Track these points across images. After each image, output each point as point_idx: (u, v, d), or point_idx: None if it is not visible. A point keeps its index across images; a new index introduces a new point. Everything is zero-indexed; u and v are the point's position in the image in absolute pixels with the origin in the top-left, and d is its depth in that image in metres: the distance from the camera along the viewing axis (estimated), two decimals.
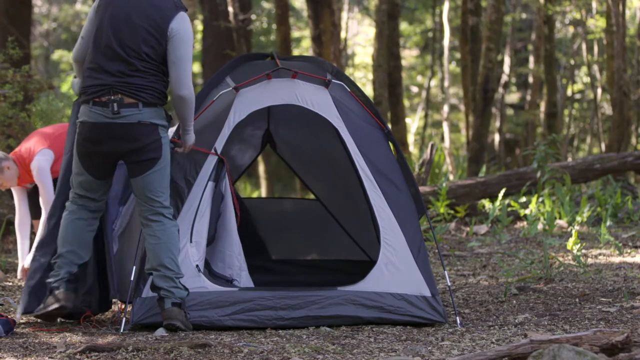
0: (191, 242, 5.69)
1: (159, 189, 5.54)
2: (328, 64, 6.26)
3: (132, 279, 5.63)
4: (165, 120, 5.57)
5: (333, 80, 6.06)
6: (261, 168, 16.88)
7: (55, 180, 6.41)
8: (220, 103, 5.95)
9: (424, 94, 27.93)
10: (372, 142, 6.00)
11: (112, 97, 5.47)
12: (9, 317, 5.55)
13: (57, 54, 29.82)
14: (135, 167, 5.55)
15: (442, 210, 10.42)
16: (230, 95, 5.94)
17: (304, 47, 28.01)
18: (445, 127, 23.34)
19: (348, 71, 26.64)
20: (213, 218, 5.85)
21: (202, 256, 5.72)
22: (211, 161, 5.83)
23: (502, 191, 10.78)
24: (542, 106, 22.68)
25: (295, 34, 27.19)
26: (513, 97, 29.67)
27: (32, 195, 7.23)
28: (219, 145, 5.86)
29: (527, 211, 10.53)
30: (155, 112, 5.53)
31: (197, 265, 5.65)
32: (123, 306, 5.76)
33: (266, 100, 6.02)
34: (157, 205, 5.54)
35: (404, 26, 27.63)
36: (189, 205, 5.74)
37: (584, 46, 22.80)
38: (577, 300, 6.44)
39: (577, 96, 27.90)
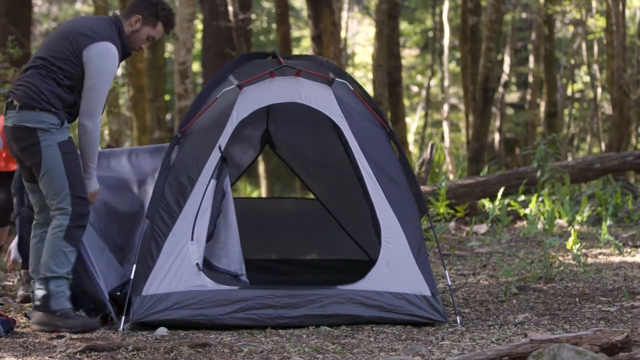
0: (192, 239, 5.69)
1: (49, 193, 5.53)
2: (329, 62, 6.26)
3: (131, 277, 5.64)
4: (49, 124, 5.47)
5: (336, 79, 6.05)
6: (261, 168, 16.90)
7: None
8: (224, 101, 5.94)
9: (423, 93, 27.93)
10: (374, 141, 6.00)
11: (9, 100, 5.57)
12: (9, 316, 5.54)
13: None
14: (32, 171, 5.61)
15: (442, 209, 10.42)
16: (234, 93, 5.94)
17: (304, 46, 28.00)
18: (445, 126, 23.35)
19: (348, 70, 26.64)
20: (213, 215, 5.84)
21: (202, 254, 5.72)
22: (214, 159, 5.82)
23: (501, 190, 10.78)
24: (542, 106, 22.68)
25: (295, 33, 27.20)
26: (513, 96, 29.68)
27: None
28: (223, 142, 5.85)
29: (527, 211, 10.53)
30: (33, 115, 5.47)
31: (197, 264, 5.64)
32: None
33: (269, 98, 6.01)
34: (53, 208, 5.54)
35: (404, 26, 27.63)
36: (191, 203, 5.73)
37: (584, 46, 22.80)
38: (577, 299, 6.44)
39: (577, 96, 27.91)
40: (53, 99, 5.48)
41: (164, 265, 5.63)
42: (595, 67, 23.63)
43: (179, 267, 5.63)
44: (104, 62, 5.52)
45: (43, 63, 5.52)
